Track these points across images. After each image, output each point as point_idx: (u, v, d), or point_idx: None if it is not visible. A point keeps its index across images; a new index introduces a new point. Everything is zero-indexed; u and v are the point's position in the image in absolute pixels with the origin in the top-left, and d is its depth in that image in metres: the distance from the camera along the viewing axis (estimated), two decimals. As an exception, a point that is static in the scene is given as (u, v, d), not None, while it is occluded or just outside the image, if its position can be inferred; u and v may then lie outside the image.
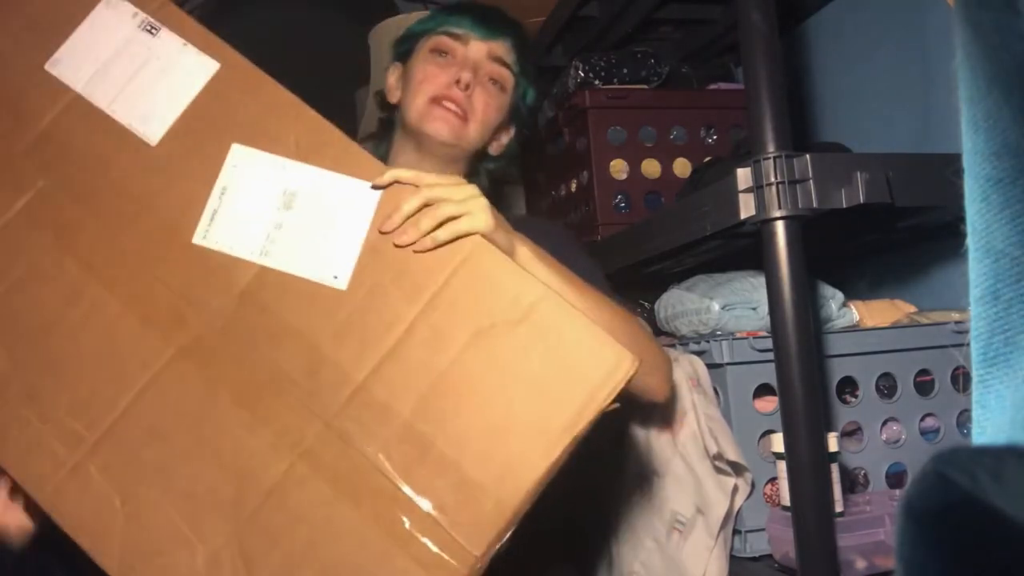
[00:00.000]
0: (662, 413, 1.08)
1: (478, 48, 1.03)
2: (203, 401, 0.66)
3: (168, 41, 0.73)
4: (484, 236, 0.71)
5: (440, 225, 0.70)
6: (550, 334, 0.66)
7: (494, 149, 1.10)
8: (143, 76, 0.73)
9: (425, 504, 0.63)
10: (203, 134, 0.71)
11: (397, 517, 0.63)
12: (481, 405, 0.65)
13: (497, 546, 0.63)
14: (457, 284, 0.67)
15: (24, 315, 0.69)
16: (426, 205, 0.71)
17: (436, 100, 1.00)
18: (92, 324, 0.69)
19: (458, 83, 0.99)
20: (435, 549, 0.63)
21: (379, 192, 0.70)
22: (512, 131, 1.12)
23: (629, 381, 0.66)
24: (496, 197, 1.21)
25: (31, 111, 0.73)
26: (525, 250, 0.81)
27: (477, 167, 1.10)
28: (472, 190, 0.74)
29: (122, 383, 0.67)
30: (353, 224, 0.69)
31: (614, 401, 0.66)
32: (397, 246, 0.68)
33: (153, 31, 0.73)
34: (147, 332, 0.68)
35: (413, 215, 0.70)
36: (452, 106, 0.99)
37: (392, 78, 1.11)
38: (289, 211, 0.69)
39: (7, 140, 0.73)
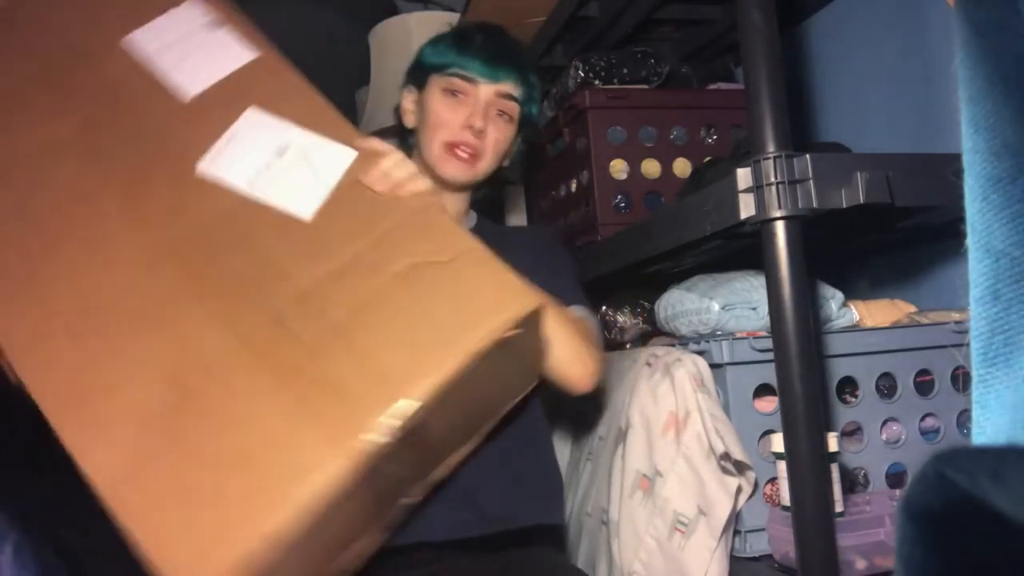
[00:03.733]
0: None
1: (488, 90, 1.13)
2: (174, 290, 0.77)
3: (223, 35, 0.89)
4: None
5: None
6: (470, 273, 0.78)
7: (504, 162, 1.21)
8: (195, 57, 0.88)
9: (342, 389, 0.71)
10: (229, 98, 0.85)
11: (317, 400, 0.71)
12: (404, 319, 0.75)
13: (394, 436, 0.69)
14: (401, 228, 0.79)
15: (36, 207, 0.80)
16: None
17: (451, 146, 1.12)
18: (93, 221, 0.80)
19: (471, 128, 1.11)
20: (340, 427, 0.69)
21: (354, 155, 0.82)
22: (518, 141, 1.23)
23: (529, 317, 0.76)
24: (500, 198, 1.29)
25: (102, 66, 0.87)
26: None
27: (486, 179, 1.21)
28: (411, 168, 0.85)
29: (108, 267, 0.78)
30: (327, 174, 0.82)
31: (518, 329, 0.76)
32: (372, 189, 0.81)
33: (216, 28, 0.89)
34: (140, 230, 0.79)
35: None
36: (465, 152, 1.12)
37: (407, 102, 1.21)
38: (280, 158, 0.83)
39: (80, 80, 0.87)
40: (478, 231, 1.20)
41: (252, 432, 0.70)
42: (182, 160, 0.82)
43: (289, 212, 0.79)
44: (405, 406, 0.70)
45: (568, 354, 0.99)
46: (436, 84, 1.15)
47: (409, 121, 1.20)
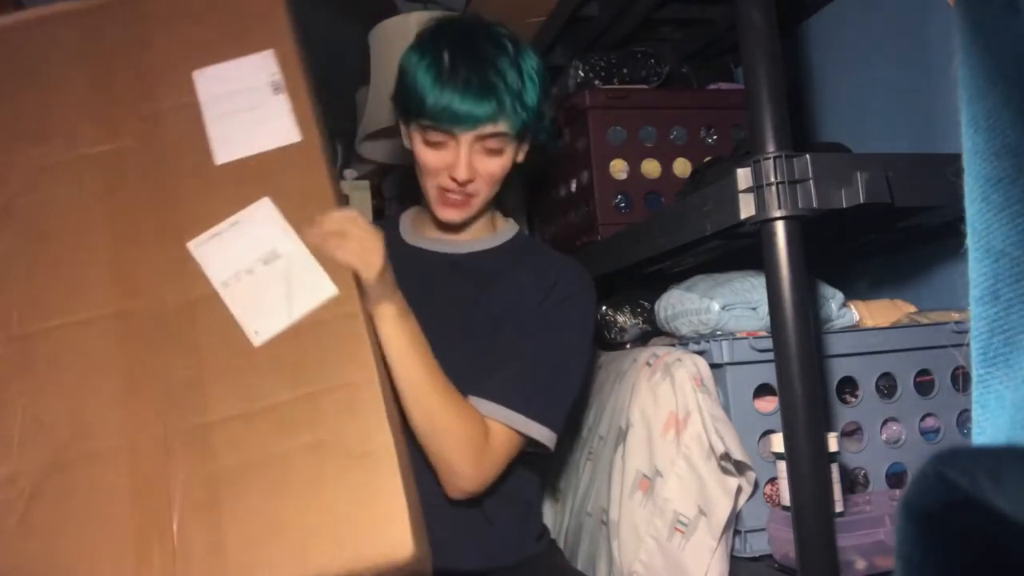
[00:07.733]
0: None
1: (466, 138, 1.05)
2: (103, 360, 0.77)
3: (280, 103, 0.86)
4: (360, 278, 0.80)
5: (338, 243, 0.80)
6: (367, 484, 0.72)
7: (519, 159, 1.15)
8: (243, 118, 0.85)
9: (181, 548, 0.70)
10: (253, 177, 0.83)
11: (153, 543, 0.70)
12: (277, 504, 0.71)
13: None
14: (330, 397, 0.75)
15: (38, 218, 0.82)
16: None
17: (443, 192, 1.09)
18: (79, 253, 0.81)
19: (455, 179, 1.07)
20: None
21: (333, 292, 0.78)
22: (528, 140, 1.15)
23: (399, 564, 0.70)
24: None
25: (160, 94, 0.86)
26: (392, 308, 0.88)
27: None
28: (379, 244, 0.83)
29: (64, 308, 0.79)
30: (299, 304, 0.78)
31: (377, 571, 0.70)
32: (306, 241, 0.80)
33: (276, 91, 0.86)
34: (109, 285, 0.80)
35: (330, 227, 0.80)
36: (456, 196, 1.09)
37: (401, 126, 1.15)
38: (265, 267, 0.80)
39: (132, 101, 0.86)
40: (510, 247, 1.19)
41: (84, 546, 0.70)
42: (182, 229, 0.81)
43: (244, 330, 0.78)
44: None
45: (434, 452, 0.96)
46: (415, 130, 1.08)
47: (408, 146, 1.14)
